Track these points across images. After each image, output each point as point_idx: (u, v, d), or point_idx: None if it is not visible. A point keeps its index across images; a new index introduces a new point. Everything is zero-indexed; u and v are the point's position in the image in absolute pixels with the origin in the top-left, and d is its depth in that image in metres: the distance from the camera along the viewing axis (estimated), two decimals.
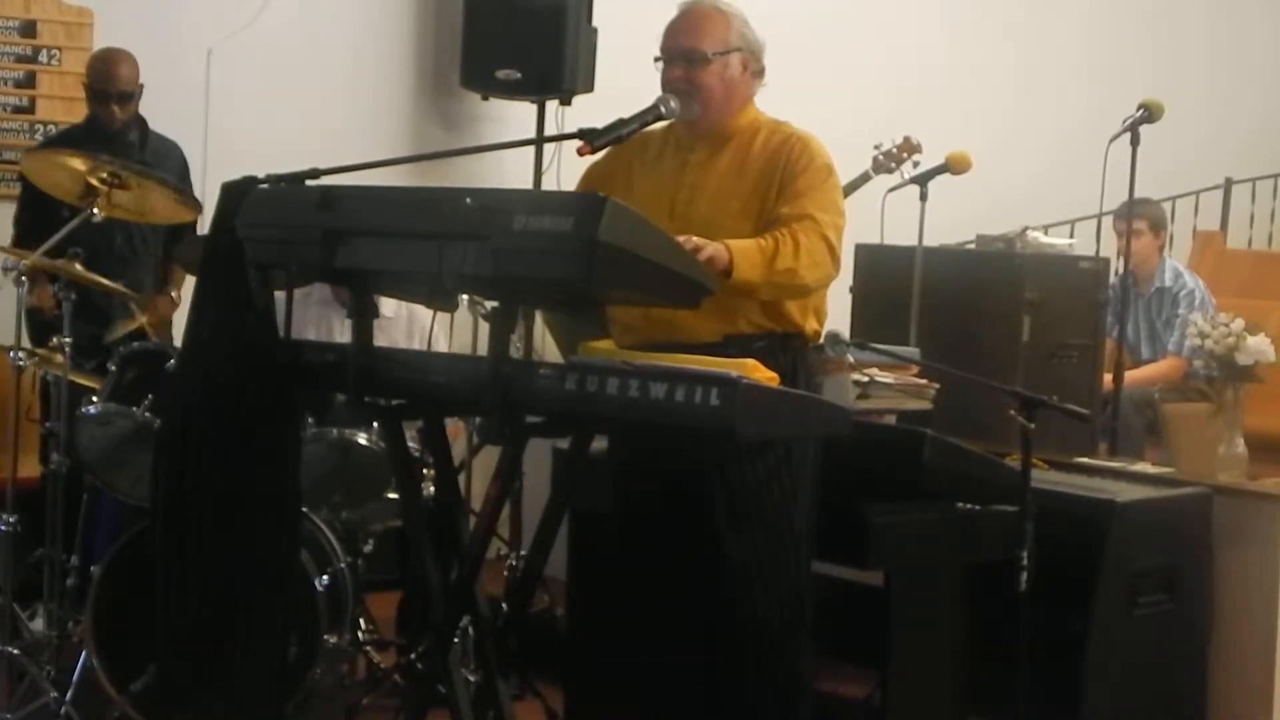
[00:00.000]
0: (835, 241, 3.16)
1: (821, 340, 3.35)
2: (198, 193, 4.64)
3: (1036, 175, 6.97)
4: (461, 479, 4.09)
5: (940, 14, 7.13)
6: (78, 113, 5.24)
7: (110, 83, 4.64)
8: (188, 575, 2.93)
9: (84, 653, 3.79)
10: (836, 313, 3.53)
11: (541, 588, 4.53)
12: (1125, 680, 3.73)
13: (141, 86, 4.70)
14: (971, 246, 5.58)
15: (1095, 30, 7.56)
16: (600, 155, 3.25)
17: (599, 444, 3.12)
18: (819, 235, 3.11)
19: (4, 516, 3.82)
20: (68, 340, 3.83)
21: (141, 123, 4.74)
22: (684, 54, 3.18)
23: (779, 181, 3.15)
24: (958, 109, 6.77)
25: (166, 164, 4.72)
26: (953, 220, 5.51)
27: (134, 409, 3.79)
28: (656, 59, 3.22)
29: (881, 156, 5.07)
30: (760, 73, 3.27)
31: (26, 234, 4.59)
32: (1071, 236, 6.22)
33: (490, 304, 3.33)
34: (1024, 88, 7.29)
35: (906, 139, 5.08)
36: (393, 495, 4.01)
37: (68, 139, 4.72)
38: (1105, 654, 3.67)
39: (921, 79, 6.90)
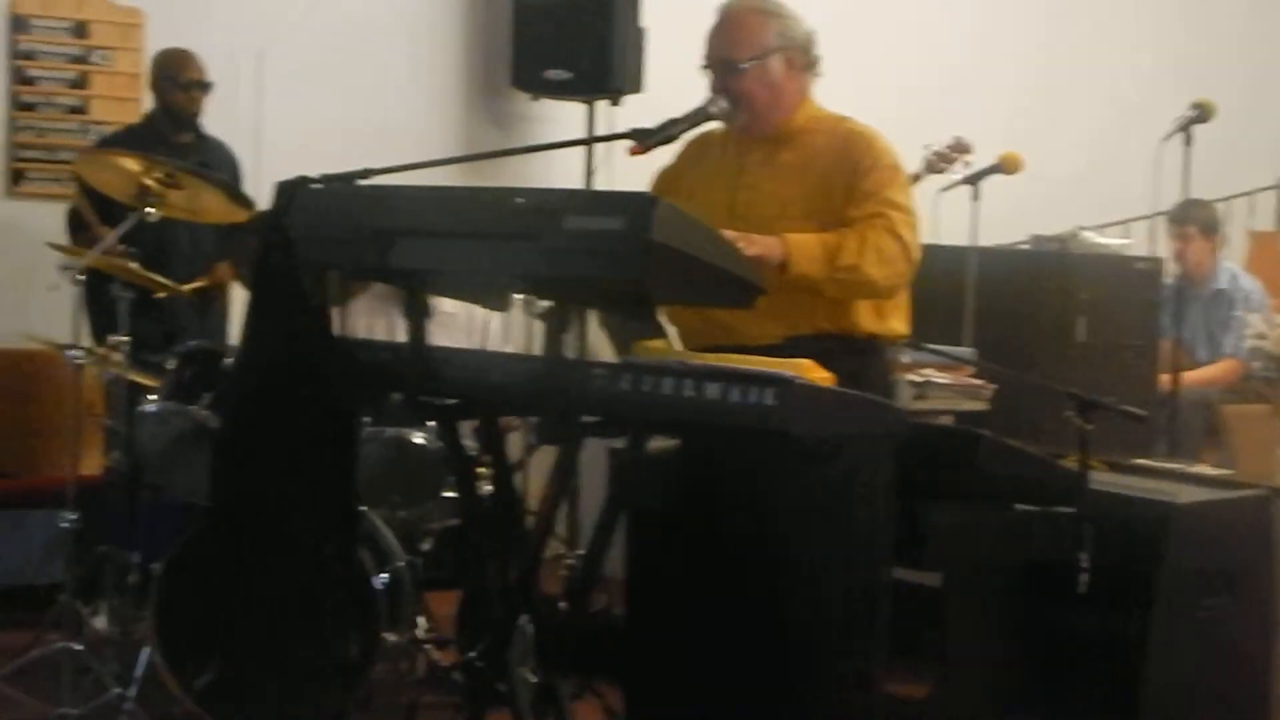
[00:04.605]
0: (909, 238, 3.05)
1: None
2: (248, 192, 4.68)
3: (1089, 174, 6.90)
4: (518, 478, 4.09)
5: (984, 11, 7.07)
6: (130, 113, 5.30)
7: (190, 70, 4.75)
8: (247, 573, 2.95)
9: (147, 649, 3.80)
10: None
11: (599, 587, 4.52)
12: (1186, 683, 3.68)
13: None
14: (1025, 246, 5.55)
15: (1145, 28, 7.49)
16: (670, 158, 3.23)
17: (656, 443, 3.10)
18: (890, 232, 3.02)
19: (65, 514, 3.85)
20: (125, 339, 3.86)
21: (197, 124, 4.79)
22: (720, 63, 3.11)
23: (845, 183, 3.07)
24: (1005, 107, 6.71)
25: (223, 165, 4.77)
26: (1004, 220, 5.46)
27: (192, 407, 3.82)
28: (703, 67, 3.16)
29: (933, 157, 5.02)
30: (812, 65, 3.16)
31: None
32: (1125, 237, 6.17)
33: (544, 303, 3.34)
34: (1077, 85, 7.23)
35: (958, 139, 5.02)
36: (450, 494, 4.02)
37: (127, 139, 4.75)
38: (1166, 657, 3.63)
39: (969, 76, 6.84)
